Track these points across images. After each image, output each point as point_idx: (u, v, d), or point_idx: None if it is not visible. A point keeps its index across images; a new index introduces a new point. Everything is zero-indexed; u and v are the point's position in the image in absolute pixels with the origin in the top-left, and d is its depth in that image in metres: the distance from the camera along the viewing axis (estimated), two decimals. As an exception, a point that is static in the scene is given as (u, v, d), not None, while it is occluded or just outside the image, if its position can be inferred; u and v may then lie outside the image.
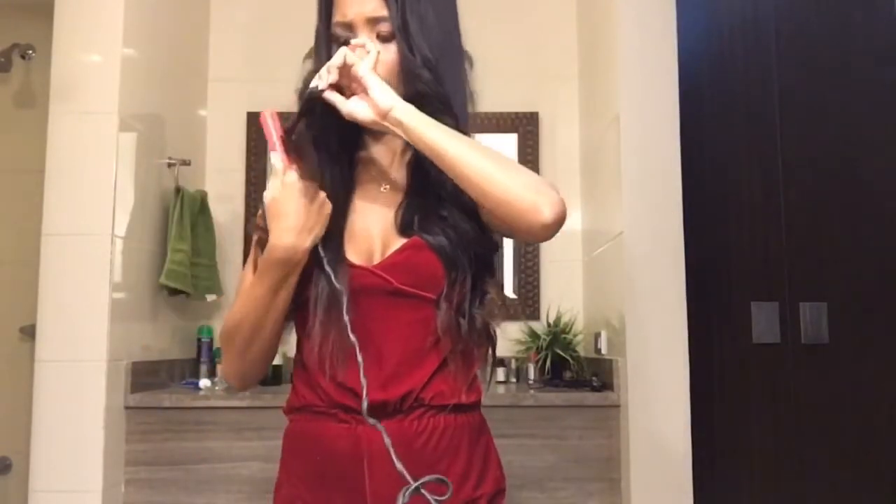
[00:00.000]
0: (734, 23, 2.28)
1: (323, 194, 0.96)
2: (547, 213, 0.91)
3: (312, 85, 0.96)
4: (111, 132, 1.99)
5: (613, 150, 2.14)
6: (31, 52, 2.41)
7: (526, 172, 0.96)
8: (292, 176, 0.94)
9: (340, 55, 0.94)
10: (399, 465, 0.76)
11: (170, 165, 2.35)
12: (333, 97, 0.95)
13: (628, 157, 2.07)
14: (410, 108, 0.94)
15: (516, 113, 2.73)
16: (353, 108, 0.95)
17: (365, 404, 0.88)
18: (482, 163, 0.93)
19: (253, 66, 2.75)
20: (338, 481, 0.98)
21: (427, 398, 0.98)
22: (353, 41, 0.98)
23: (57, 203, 1.96)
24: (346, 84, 0.96)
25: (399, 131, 0.94)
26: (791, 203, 2.19)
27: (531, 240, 1.00)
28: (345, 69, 0.94)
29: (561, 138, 2.75)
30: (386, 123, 0.94)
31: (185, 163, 2.39)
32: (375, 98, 0.93)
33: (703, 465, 2.01)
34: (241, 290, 1.02)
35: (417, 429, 0.98)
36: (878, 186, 2.19)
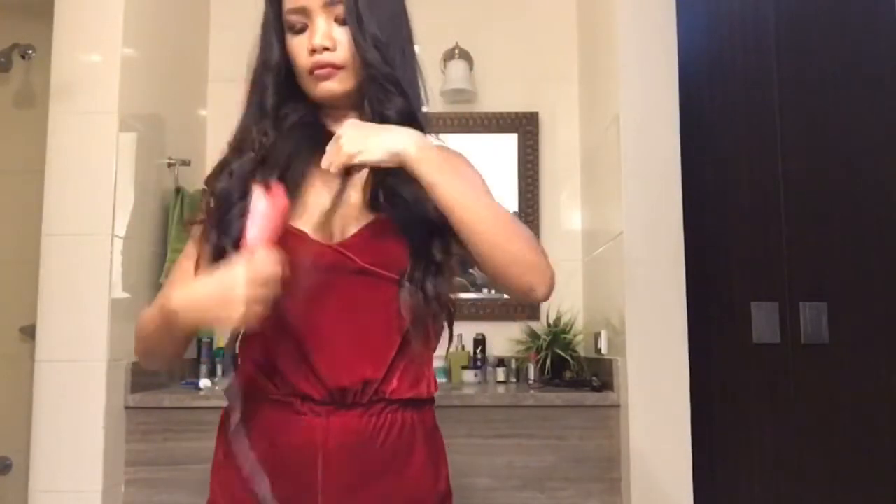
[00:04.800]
0: (734, 23, 2.28)
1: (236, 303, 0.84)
2: (541, 293, 0.94)
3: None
4: (111, 132, 1.99)
5: (613, 150, 2.14)
6: (31, 52, 2.41)
7: (527, 244, 0.94)
8: (241, 269, 0.85)
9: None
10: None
11: (170, 165, 2.35)
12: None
13: (628, 157, 2.07)
14: (432, 151, 0.92)
15: (516, 113, 2.73)
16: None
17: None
18: (491, 231, 0.91)
19: (253, 66, 2.74)
20: (287, 471, 0.96)
21: (387, 391, 0.97)
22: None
23: (57, 203, 1.96)
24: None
25: (413, 165, 0.91)
26: (791, 203, 2.19)
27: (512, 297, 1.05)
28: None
29: (561, 138, 2.75)
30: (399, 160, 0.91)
31: (185, 163, 2.39)
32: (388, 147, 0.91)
33: (703, 465, 2.01)
34: (176, 269, 1.04)
35: (377, 425, 0.97)
36: (879, 186, 2.19)
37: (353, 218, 1.00)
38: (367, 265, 0.96)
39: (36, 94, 2.41)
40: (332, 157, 0.91)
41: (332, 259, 0.96)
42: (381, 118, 0.99)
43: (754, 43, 2.27)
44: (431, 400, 1.05)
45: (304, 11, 1.00)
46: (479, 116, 2.71)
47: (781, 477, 2.11)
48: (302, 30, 1.00)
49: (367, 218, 0.99)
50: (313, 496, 0.95)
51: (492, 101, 2.74)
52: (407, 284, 0.97)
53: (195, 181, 2.55)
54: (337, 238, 0.99)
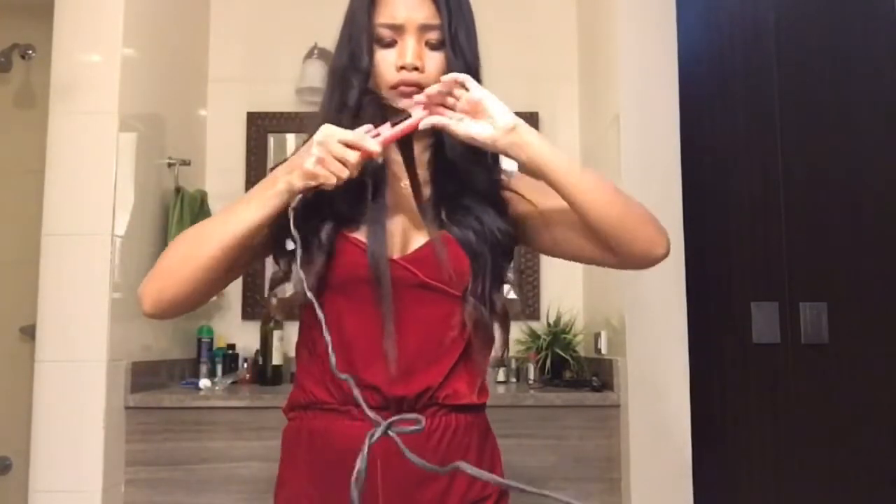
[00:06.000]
0: (734, 23, 2.28)
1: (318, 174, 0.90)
2: (663, 249, 0.99)
3: (417, 117, 0.96)
4: (111, 132, 1.99)
5: (613, 150, 2.14)
6: (31, 52, 2.41)
7: (638, 204, 1.00)
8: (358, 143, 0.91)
9: (437, 87, 0.95)
10: (413, 457, 0.74)
11: (170, 165, 2.35)
12: (443, 120, 0.96)
13: (628, 157, 2.07)
14: (530, 128, 0.97)
15: (516, 113, 2.72)
16: (470, 128, 0.95)
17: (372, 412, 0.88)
18: (605, 194, 0.96)
19: (253, 66, 2.75)
20: (349, 477, 0.97)
21: (441, 397, 0.99)
22: (450, 76, 0.96)
23: (57, 203, 1.96)
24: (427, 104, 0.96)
25: (518, 151, 0.96)
26: (791, 203, 2.19)
27: (625, 267, 1.06)
28: (438, 96, 0.95)
29: (561, 138, 2.74)
30: (502, 144, 0.96)
31: (185, 163, 2.39)
32: (499, 118, 0.95)
33: (703, 464, 2.01)
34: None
35: (430, 427, 0.98)
36: (878, 187, 2.19)
37: (416, 232, 1.02)
38: (429, 280, 0.99)
39: (36, 94, 2.41)
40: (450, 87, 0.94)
41: (395, 272, 0.98)
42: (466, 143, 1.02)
43: (754, 42, 2.26)
44: (485, 404, 1.07)
45: (398, 28, 1.00)
46: (479, 116, 2.70)
47: (781, 477, 2.11)
48: (390, 44, 1.00)
49: (429, 233, 1.01)
50: (374, 499, 0.96)
51: (492, 101, 2.73)
52: (470, 299, 0.99)
53: (195, 181, 2.56)
54: (399, 252, 1.01)
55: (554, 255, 1.13)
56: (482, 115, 0.95)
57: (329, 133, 0.90)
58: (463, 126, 0.95)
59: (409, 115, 0.96)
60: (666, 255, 0.99)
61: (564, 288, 2.65)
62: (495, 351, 1.06)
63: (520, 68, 2.76)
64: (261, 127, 2.71)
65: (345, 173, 0.90)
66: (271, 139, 2.69)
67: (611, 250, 0.99)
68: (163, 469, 2.01)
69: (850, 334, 2.13)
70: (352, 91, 1.01)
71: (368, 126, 0.95)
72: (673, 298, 2.02)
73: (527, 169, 0.97)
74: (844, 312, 2.14)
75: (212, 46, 2.78)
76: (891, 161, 2.19)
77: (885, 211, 2.17)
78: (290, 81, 2.62)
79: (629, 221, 0.97)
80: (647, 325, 2.01)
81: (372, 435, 0.66)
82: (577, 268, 2.67)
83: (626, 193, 1.00)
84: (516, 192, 1.06)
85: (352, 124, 0.96)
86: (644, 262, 1.00)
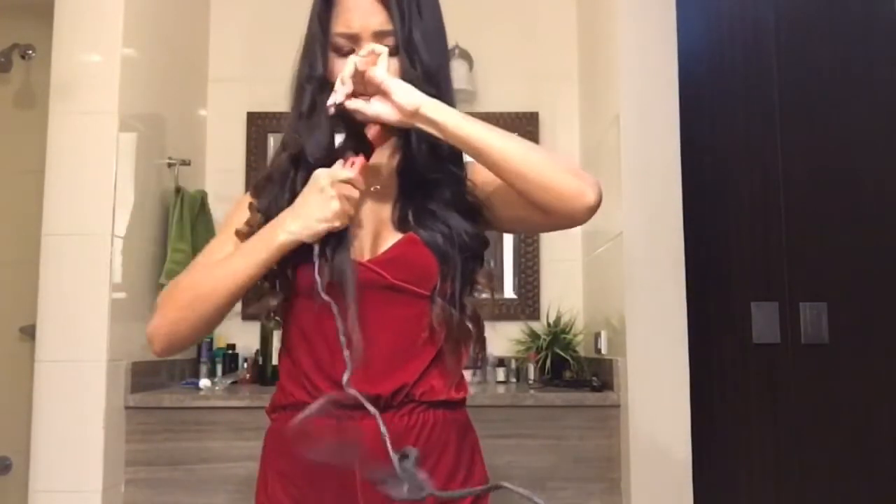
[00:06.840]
0: (734, 23, 2.28)
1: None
2: (591, 196, 0.96)
3: (330, 102, 0.96)
4: (111, 132, 1.99)
5: (613, 150, 2.14)
6: (31, 52, 2.41)
7: (563, 158, 0.99)
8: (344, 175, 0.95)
9: (351, 64, 0.95)
10: (392, 454, 0.76)
11: (170, 165, 2.35)
12: (355, 104, 0.96)
13: (628, 157, 2.07)
14: (437, 104, 0.95)
15: (516, 113, 2.73)
16: (379, 110, 0.95)
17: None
18: (522, 151, 0.96)
19: (253, 66, 2.75)
20: (328, 478, 0.98)
21: (417, 394, 1.00)
22: (367, 48, 0.97)
23: (57, 203, 1.96)
24: (362, 91, 0.96)
25: (430, 128, 0.95)
26: (791, 203, 2.19)
27: (567, 225, 1.03)
28: (357, 76, 0.95)
29: (561, 138, 2.74)
30: (413, 121, 0.95)
31: (185, 163, 2.39)
32: (399, 100, 0.94)
33: (703, 465, 2.01)
34: (210, 251, 1.05)
35: (408, 424, 0.99)
36: (878, 187, 2.19)
37: (383, 235, 1.02)
38: (397, 282, 0.99)
39: (36, 94, 2.41)
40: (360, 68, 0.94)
41: (364, 275, 0.98)
42: (430, 148, 1.02)
43: (754, 43, 2.27)
44: (463, 400, 1.07)
45: (353, 37, 1.00)
46: (479, 116, 2.65)
47: (781, 477, 2.11)
48: (348, 53, 1.00)
49: (396, 235, 1.02)
50: (353, 497, 0.97)
51: (492, 101, 2.73)
52: (438, 301, 1.00)
53: (195, 181, 2.56)
54: (368, 255, 1.01)
55: (511, 232, 1.14)
56: (388, 97, 0.95)
57: (328, 176, 0.94)
58: (372, 107, 0.95)
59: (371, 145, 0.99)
60: (597, 202, 0.97)
61: (564, 288, 2.65)
62: (471, 353, 1.06)
63: (520, 68, 2.76)
64: (261, 127, 2.71)
65: (353, 211, 0.95)
66: (271, 139, 2.70)
67: (542, 210, 0.98)
68: (163, 469, 2.01)
69: (850, 334, 2.14)
70: (304, 100, 1.04)
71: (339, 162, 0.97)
72: (673, 298, 2.01)
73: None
74: (844, 312, 2.14)
75: (212, 46, 2.79)
76: (891, 161, 2.19)
77: (885, 211, 2.17)
78: (290, 81, 2.62)
79: (551, 175, 0.95)
80: (647, 325, 2.01)
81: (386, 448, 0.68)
82: (577, 268, 2.67)
83: (547, 150, 1.01)
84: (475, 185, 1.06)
85: (307, 133, 1.01)
86: (575, 214, 0.97)
